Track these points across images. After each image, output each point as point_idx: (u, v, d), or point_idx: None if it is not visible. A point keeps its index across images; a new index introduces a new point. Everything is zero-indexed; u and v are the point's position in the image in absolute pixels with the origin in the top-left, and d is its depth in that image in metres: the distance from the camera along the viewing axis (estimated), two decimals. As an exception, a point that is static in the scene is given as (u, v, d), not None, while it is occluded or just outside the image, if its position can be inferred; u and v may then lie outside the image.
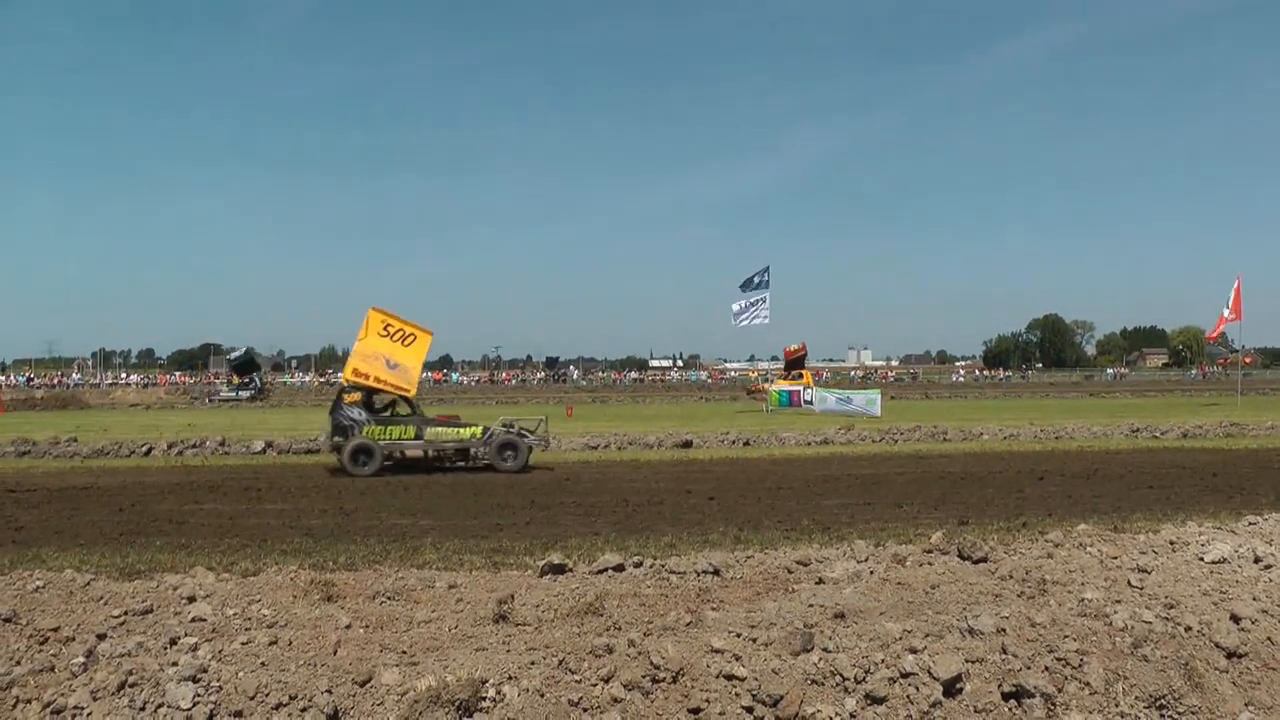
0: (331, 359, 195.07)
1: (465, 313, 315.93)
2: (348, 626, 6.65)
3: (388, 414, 26.29)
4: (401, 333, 26.35)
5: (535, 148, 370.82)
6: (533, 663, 5.77)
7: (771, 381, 65.79)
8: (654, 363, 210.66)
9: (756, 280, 53.11)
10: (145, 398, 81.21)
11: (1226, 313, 55.40)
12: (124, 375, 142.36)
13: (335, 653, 6.03)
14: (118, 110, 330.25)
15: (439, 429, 26.36)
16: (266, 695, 5.50)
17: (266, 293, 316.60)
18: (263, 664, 5.79)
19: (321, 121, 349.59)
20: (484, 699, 5.43)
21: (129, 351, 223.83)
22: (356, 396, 25.90)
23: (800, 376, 74.49)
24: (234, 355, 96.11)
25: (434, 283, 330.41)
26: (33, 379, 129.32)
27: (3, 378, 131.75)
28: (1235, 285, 54.87)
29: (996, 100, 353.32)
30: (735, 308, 53.79)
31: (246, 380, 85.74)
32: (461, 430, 26.42)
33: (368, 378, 25.87)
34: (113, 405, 72.58)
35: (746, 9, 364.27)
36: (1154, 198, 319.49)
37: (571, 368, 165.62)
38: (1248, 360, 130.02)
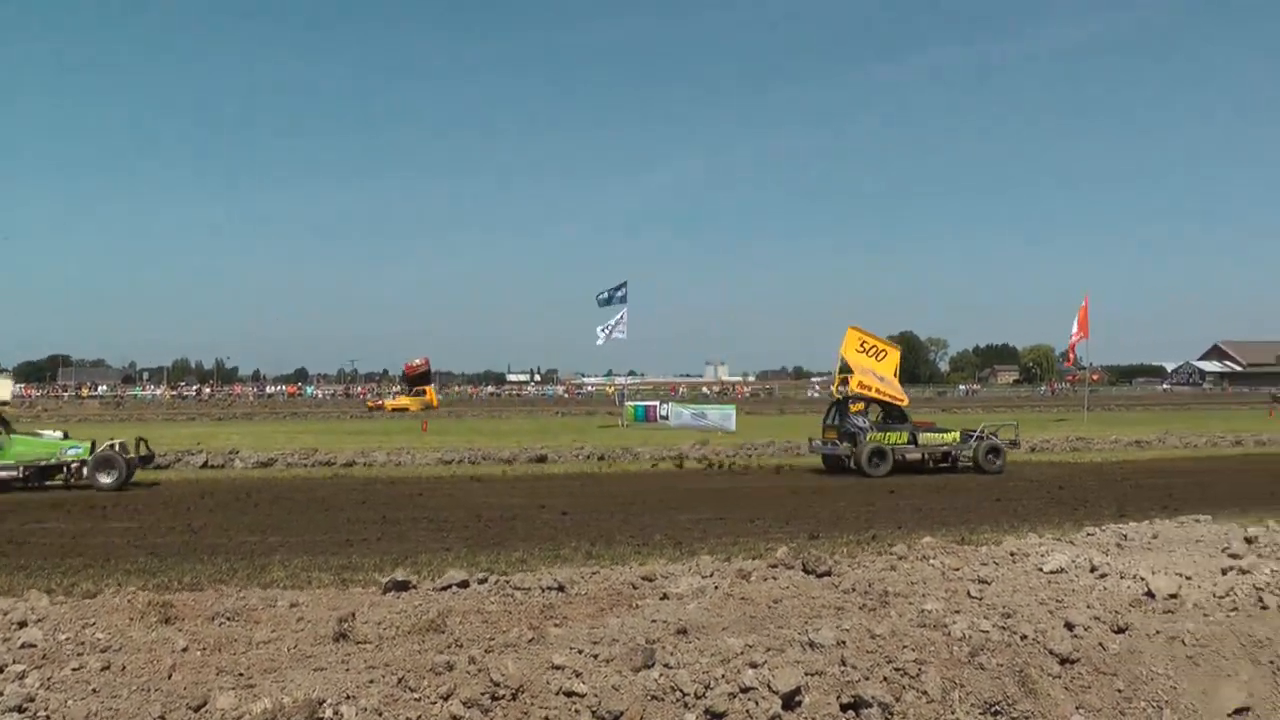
0: (184, 371, 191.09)
1: (321, 326, 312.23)
2: (184, 649, 6.50)
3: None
4: (875, 349, 29.59)
5: (389, 154, 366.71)
6: (371, 681, 5.70)
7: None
8: (511, 376, 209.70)
9: (614, 295, 53.29)
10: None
11: (1074, 331, 56.77)
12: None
13: (170, 677, 5.90)
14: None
15: (928, 434, 29.18)
16: (96, 722, 5.37)
17: (119, 303, 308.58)
18: (94, 691, 5.63)
19: (172, 125, 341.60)
20: (320, 719, 5.37)
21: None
22: (860, 406, 29.05)
23: (423, 393, 75.56)
24: None
25: (288, 293, 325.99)
26: None
27: None
28: (1083, 304, 56.26)
29: (855, 115, 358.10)
30: (600, 330, 53.90)
31: None
32: (944, 435, 29.29)
33: (870, 389, 28.81)
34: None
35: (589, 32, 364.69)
36: (1007, 219, 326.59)
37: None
38: (1095, 377, 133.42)
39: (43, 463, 23.70)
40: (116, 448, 24.19)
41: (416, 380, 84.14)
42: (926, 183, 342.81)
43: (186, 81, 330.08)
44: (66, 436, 25.21)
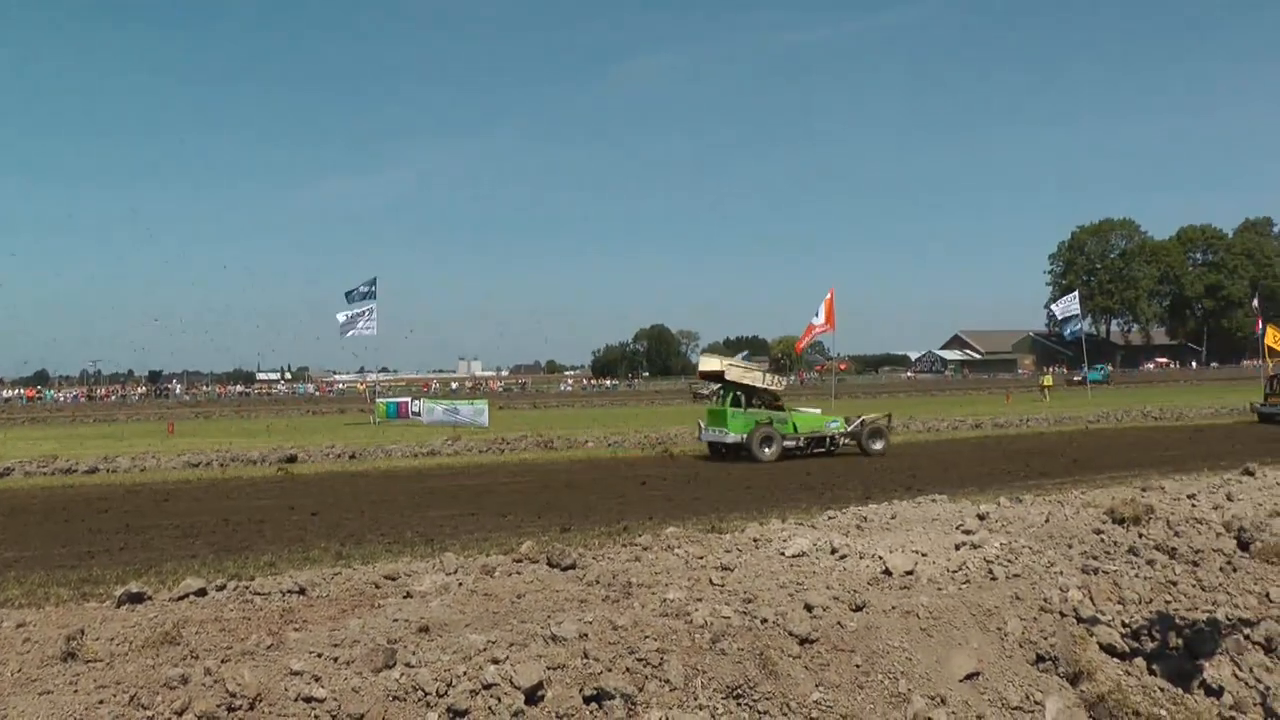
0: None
1: (60, 325, 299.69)
2: (-109, 681, 6.18)
3: None
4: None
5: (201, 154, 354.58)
6: (101, 701, 5.49)
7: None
8: (261, 375, 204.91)
9: (363, 291, 52.72)
10: None
11: (817, 321, 58.17)
12: None
13: (-128, 715, 5.60)
14: None
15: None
16: None
17: None
18: None
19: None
20: (45, 746, 5.16)
21: None
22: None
23: None
24: None
25: (25, 289, 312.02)
26: None
27: None
28: (828, 296, 57.76)
29: (598, 117, 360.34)
30: (341, 318, 53.25)
31: None
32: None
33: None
34: None
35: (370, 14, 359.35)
36: (756, 218, 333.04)
37: (175, 382, 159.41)
38: (843, 366, 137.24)
39: None
40: None
41: None
42: (675, 180, 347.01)
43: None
44: None
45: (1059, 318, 79.31)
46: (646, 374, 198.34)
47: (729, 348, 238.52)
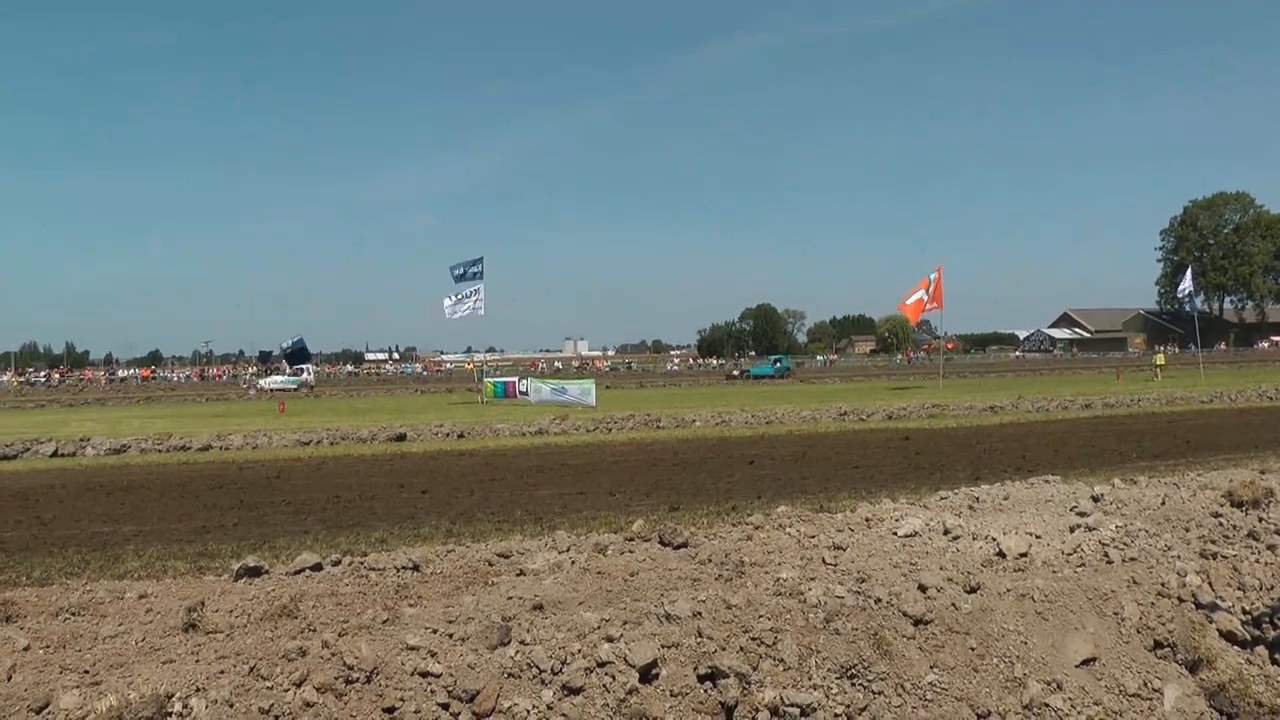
0: (32, 356, 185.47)
1: (174, 307, 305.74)
2: (26, 648, 6.30)
3: None
4: None
5: (240, 140, 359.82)
6: (222, 671, 5.59)
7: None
8: (370, 355, 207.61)
9: (469, 271, 52.95)
10: None
11: (924, 297, 57.60)
12: None
13: (10, 678, 5.71)
14: None
15: None
16: (-70, 730, 5.18)
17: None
18: (-74, 695, 5.45)
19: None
20: (170, 714, 5.22)
21: None
22: None
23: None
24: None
25: (140, 274, 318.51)
26: None
27: None
28: (936, 274, 57.14)
29: (711, 99, 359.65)
30: (448, 301, 53.56)
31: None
32: None
33: None
34: None
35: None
36: (862, 195, 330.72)
37: (285, 362, 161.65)
38: (949, 346, 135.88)
39: None
40: None
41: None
42: (781, 159, 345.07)
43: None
44: None
45: (1181, 295, 78.13)
46: (753, 353, 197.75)
47: (834, 327, 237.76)
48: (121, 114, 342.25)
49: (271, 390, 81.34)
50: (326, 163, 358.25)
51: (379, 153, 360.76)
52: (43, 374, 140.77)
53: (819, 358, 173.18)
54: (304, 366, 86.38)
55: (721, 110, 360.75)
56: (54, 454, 28.47)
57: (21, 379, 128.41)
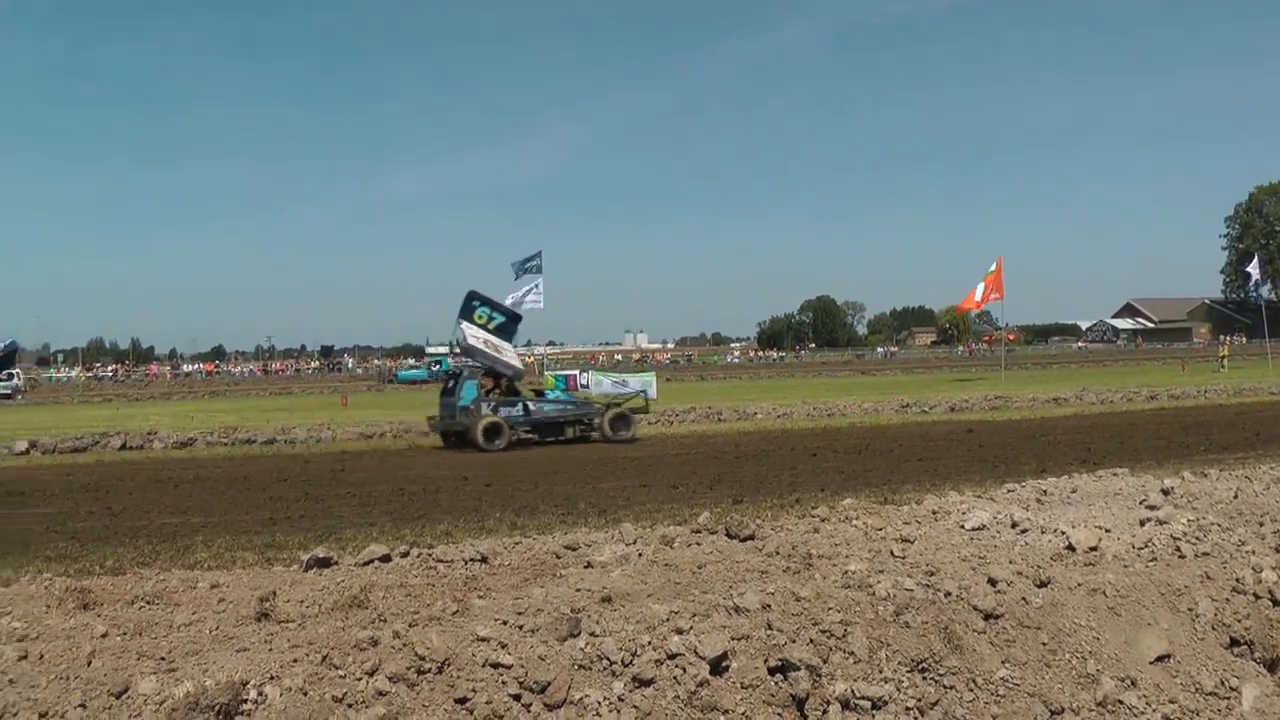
0: (99, 352, 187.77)
1: (235, 302, 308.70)
2: (104, 635, 6.38)
3: None
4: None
5: (302, 130, 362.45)
6: (295, 660, 5.63)
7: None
8: (430, 350, 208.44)
9: (528, 265, 53.03)
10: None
11: (979, 295, 57.19)
12: None
13: (89, 664, 5.77)
14: None
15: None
16: (15, 714, 5.22)
17: (30, 286, 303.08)
18: (10, 681, 5.49)
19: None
20: (245, 701, 5.27)
21: None
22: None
23: None
24: None
25: (202, 270, 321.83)
26: None
27: None
28: (996, 265, 56.73)
29: (765, 86, 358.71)
30: (511, 299, 53.67)
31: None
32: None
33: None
34: None
35: None
36: (920, 183, 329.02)
37: (346, 356, 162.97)
38: (1010, 337, 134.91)
39: None
40: None
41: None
42: (836, 150, 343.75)
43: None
44: None
45: (1252, 282, 77.08)
46: (813, 345, 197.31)
47: (895, 319, 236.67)
48: (184, 107, 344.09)
49: None
50: (400, 153, 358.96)
51: (432, 143, 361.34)
52: (109, 370, 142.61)
53: (879, 349, 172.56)
54: (13, 371, 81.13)
55: (779, 98, 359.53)
56: (122, 447, 28.84)
57: (89, 374, 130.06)
